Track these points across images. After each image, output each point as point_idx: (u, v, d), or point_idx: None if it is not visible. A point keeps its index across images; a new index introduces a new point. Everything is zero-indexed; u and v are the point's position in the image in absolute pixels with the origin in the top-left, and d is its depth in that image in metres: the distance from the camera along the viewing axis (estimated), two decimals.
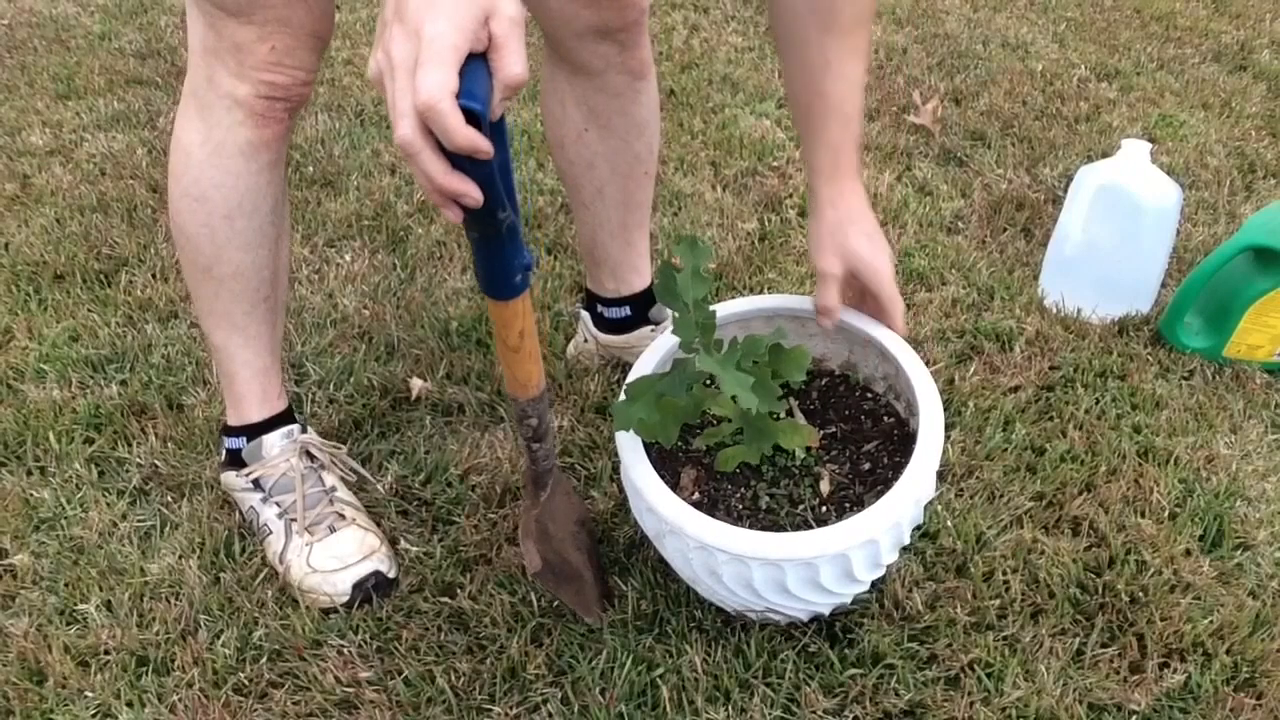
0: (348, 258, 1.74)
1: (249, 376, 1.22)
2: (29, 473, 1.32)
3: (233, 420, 1.25)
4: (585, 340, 1.51)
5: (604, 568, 1.19)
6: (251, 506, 1.23)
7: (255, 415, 1.24)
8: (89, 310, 1.59)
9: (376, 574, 1.16)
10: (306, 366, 1.49)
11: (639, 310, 1.44)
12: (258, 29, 1.03)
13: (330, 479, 1.24)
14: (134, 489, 1.29)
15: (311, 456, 1.25)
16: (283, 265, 1.22)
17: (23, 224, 1.80)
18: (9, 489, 1.29)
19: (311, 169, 2.00)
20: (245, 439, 1.24)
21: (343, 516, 1.20)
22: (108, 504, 1.27)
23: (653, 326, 1.45)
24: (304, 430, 1.26)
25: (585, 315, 1.49)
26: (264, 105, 1.08)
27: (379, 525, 1.24)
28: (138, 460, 1.33)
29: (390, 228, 1.82)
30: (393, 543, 1.23)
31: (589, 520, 1.21)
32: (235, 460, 1.25)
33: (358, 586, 1.15)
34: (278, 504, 1.21)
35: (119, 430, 1.37)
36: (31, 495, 1.28)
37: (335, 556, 1.16)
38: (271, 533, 1.20)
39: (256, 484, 1.22)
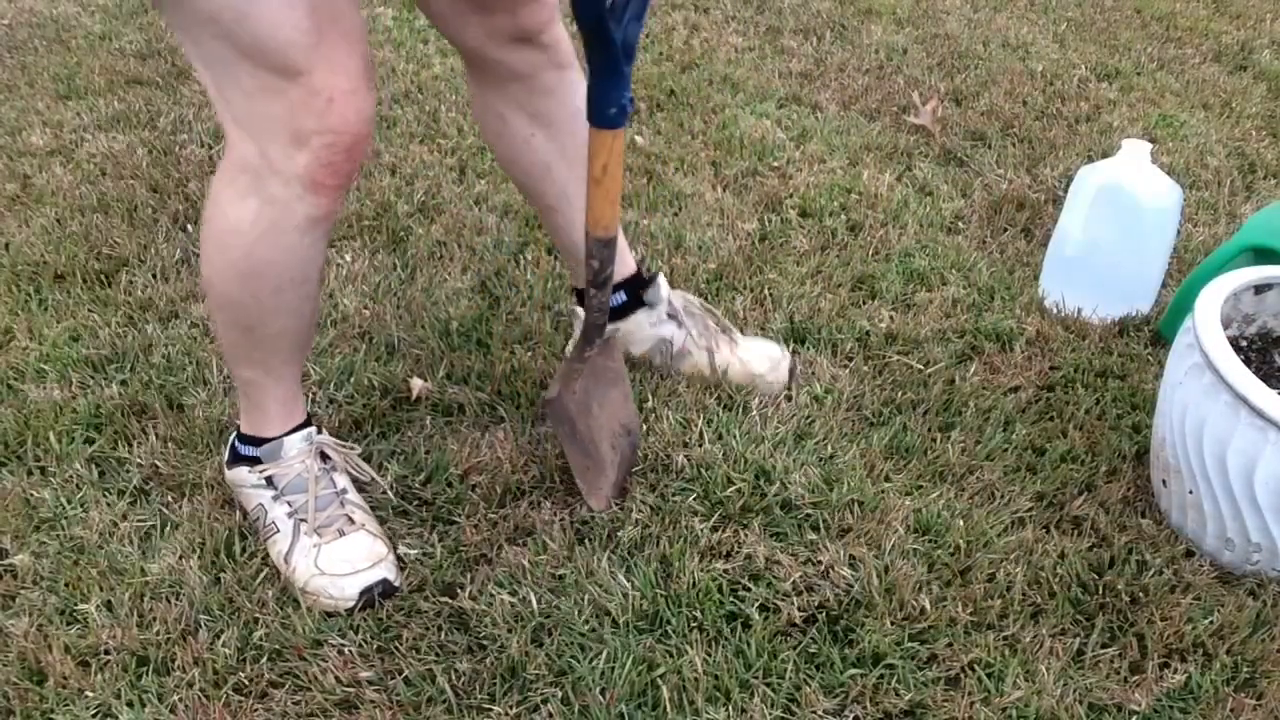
0: (348, 258, 1.74)
1: (277, 405, 1.21)
2: (29, 473, 1.32)
3: (249, 430, 1.23)
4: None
5: (629, 479, 1.24)
6: (260, 504, 1.22)
7: (277, 431, 1.22)
8: (89, 310, 1.59)
9: (384, 582, 1.16)
10: (307, 366, 1.48)
11: (633, 293, 1.43)
12: (309, 81, 0.94)
13: (342, 480, 1.24)
14: (134, 489, 1.29)
15: (325, 457, 1.24)
16: (317, 310, 1.19)
17: (23, 224, 1.80)
18: (9, 489, 1.29)
19: None
20: (262, 444, 1.23)
21: (352, 520, 1.20)
22: (108, 504, 1.27)
23: (649, 308, 1.44)
24: (319, 431, 1.26)
25: (580, 311, 1.45)
26: (325, 172, 0.99)
27: (381, 526, 1.24)
28: (138, 460, 1.33)
29: (390, 228, 1.82)
30: (393, 543, 1.23)
31: (637, 433, 1.25)
32: (246, 459, 1.24)
33: (365, 593, 1.15)
34: (289, 503, 1.20)
35: (119, 430, 1.37)
36: (32, 495, 1.28)
37: (345, 560, 1.16)
38: (279, 531, 1.19)
39: (269, 481, 1.21)
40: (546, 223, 1.40)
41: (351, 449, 1.29)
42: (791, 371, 1.48)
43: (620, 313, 1.44)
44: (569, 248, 1.40)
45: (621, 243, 1.41)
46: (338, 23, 0.95)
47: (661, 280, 1.45)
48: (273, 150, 0.98)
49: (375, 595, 1.15)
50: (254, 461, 1.23)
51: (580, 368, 1.23)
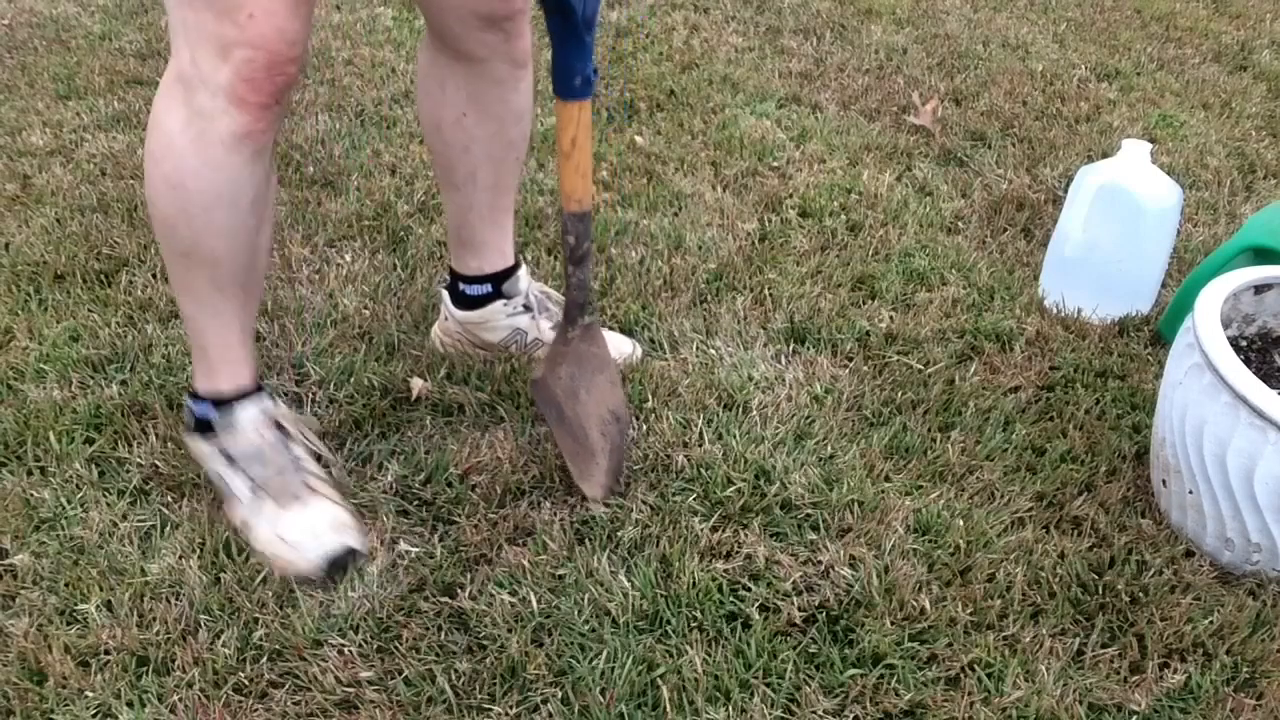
0: (348, 258, 1.74)
1: (219, 350, 1.23)
2: (29, 473, 1.32)
3: (202, 387, 1.25)
4: (445, 319, 1.51)
5: (623, 464, 1.25)
6: (219, 472, 1.24)
7: (225, 386, 1.24)
8: (89, 310, 1.59)
9: (350, 550, 1.18)
10: (307, 366, 1.48)
11: (497, 286, 1.46)
12: None
13: (298, 450, 1.26)
14: (134, 489, 1.29)
15: (281, 428, 1.26)
16: (263, 251, 1.21)
17: (23, 224, 1.80)
18: (9, 489, 1.29)
19: (312, 169, 2.00)
20: (215, 408, 1.24)
21: (311, 488, 1.22)
22: (108, 504, 1.27)
23: (505, 300, 1.47)
24: (275, 403, 1.28)
25: (445, 295, 1.50)
26: (246, 87, 1.03)
27: (376, 522, 1.25)
28: (138, 460, 1.33)
29: (390, 228, 1.82)
30: (393, 543, 1.23)
31: (626, 420, 1.27)
32: (203, 426, 1.25)
33: (331, 560, 1.17)
34: (246, 473, 1.22)
35: (119, 430, 1.37)
36: (32, 495, 1.28)
37: (306, 528, 1.18)
38: (239, 499, 1.22)
39: (225, 454, 1.24)
40: (446, 201, 1.43)
41: (308, 420, 1.32)
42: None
43: (480, 302, 1.47)
44: (457, 227, 1.44)
45: (505, 237, 1.44)
46: None
47: (523, 272, 1.49)
48: (201, 58, 1.03)
49: (342, 563, 1.17)
50: (207, 427, 1.24)
51: (564, 350, 1.24)
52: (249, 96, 1.05)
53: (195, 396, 1.26)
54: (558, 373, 1.25)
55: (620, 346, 1.51)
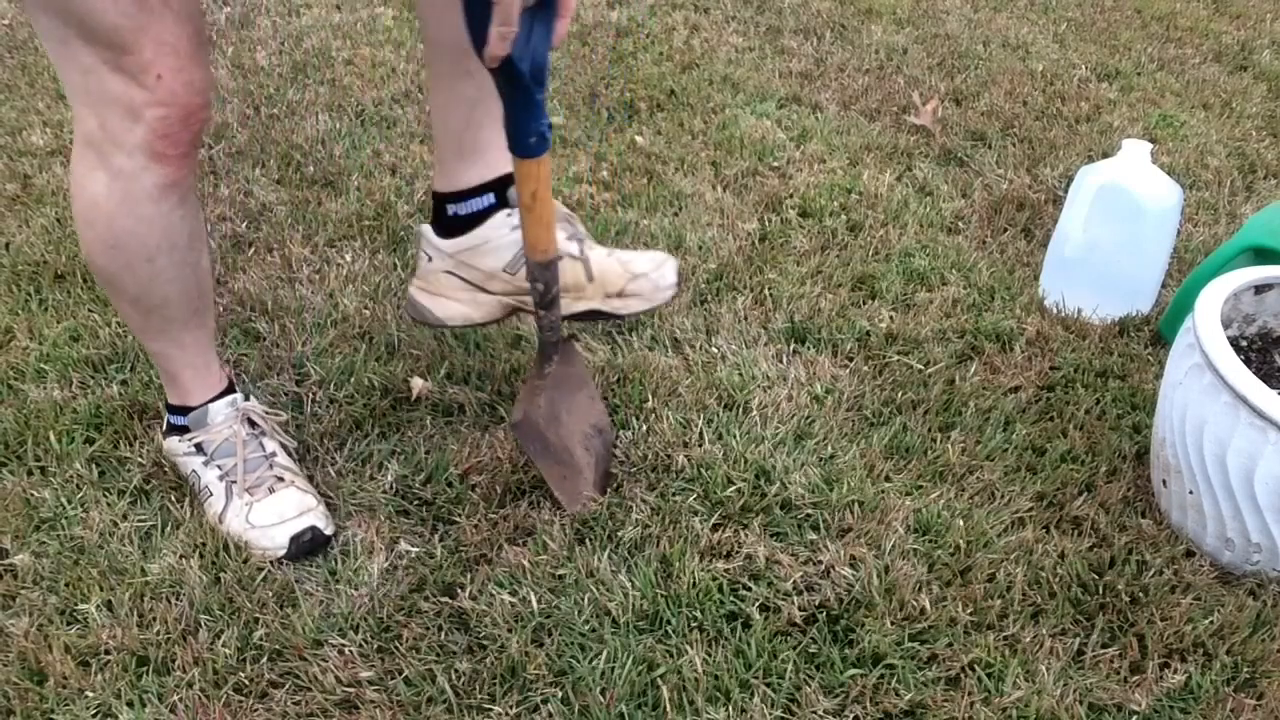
0: (348, 258, 1.74)
1: (190, 375, 1.26)
2: (30, 473, 1.32)
3: (175, 401, 1.28)
4: (428, 260, 1.33)
5: (608, 477, 1.25)
6: (194, 470, 1.27)
7: (198, 400, 1.27)
8: (89, 310, 1.59)
9: (313, 529, 1.20)
10: (307, 366, 1.49)
11: (500, 193, 1.28)
12: (138, 58, 0.98)
13: (271, 445, 1.28)
14: (135, 489, 1.29)
15: (253, 424, 1.28)
16: (207, 275, 1.21)
17: (23, 224, 1.80)
18: (10, 489, 1.29)
19: (311, 169, 2.00)
20: (189, 412, 1.28)
21: (281, 479, 1.24)
22: (108, 504, 1.27)
23: (508, 210, 1.28)
24: (246, 398, 1.30)
25: (426, 231, 1.32)
26: (164, 143, 1.03)
27: (375, 520, 1.25)
28: (139, 460, 1.33)
29: (391, 228, 1.82)
30: (393, 543, 1.23)
31: (609, 431, 1.27)
32: (179, 429, 1.29)
33: (294, 540, 1.19)
34: (219, 467, 1.25)
35: (120, 430, 1.37)
36: (32, 495, 1.28)
37: (274, 513, 1.21)
38: (212, 495, 1.24)
39: (199, 448, 1.26)
40: (446, 102, 1.25)
41: (277, 415, 1.33)
42: (680, 273, 1.32)
43: (477, 219, 1.28)
44: (459, 135, 1.25)
45: (499, 141, 1.19)
46: (168, 2, 0.98)
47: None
48: (110, 121, 1.02)
49: (305, 543, 1.20)
50: (184, 430, 1.27)
51: (541, 384, 1.24)
52: (168, 150, 1.05)
53: (171, 409, 1.29)
54: (537, 403, 1.24)
55: (651, 254, 1.31)
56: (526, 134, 1.05)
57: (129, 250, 1.10)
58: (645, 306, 1.27)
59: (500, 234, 1.27)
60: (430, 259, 1.33)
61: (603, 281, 1.27)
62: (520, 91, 1.02)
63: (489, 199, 1.28)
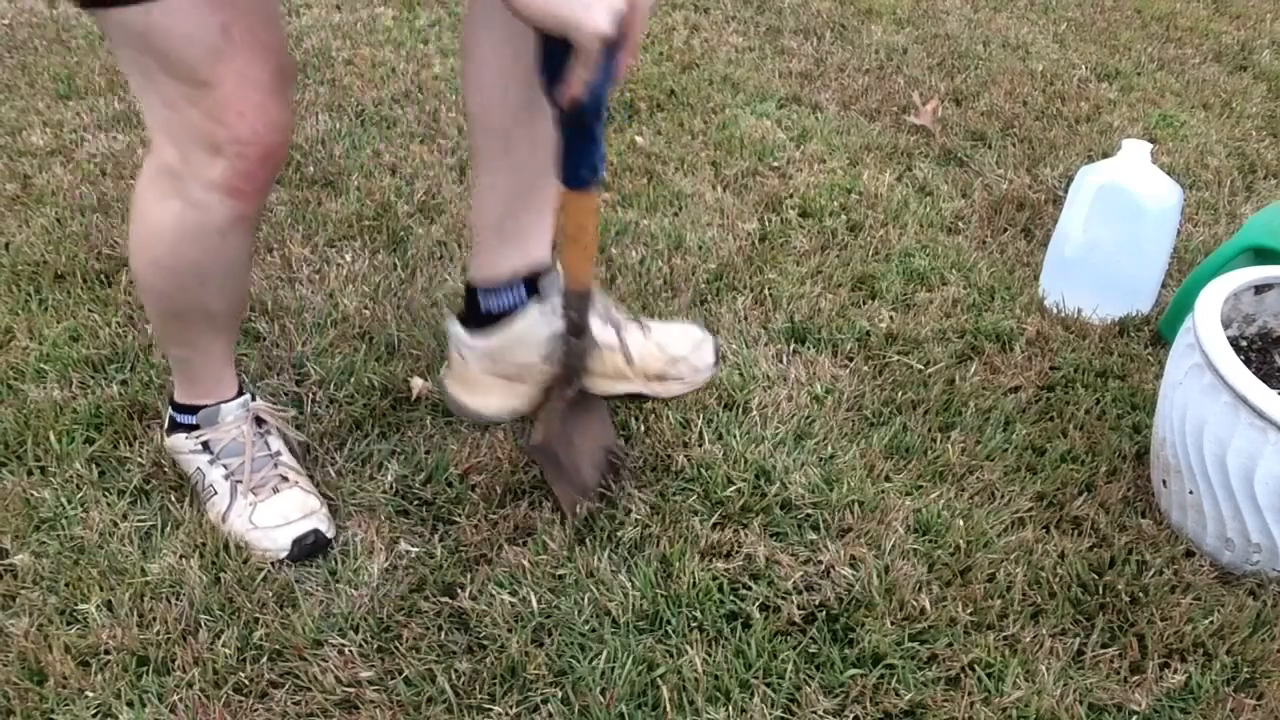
0: (348, 258, 1.74)
1: (210, 377, 1.26)
2: (29, 473, 1.32)
3: (184, 400, 1.28)
4: (461, 359, 1.28)
5: (616, 494, 1.27)
6: (198, 468, 1.26)
7: (213, 399, 1.27)
8: (89, 310, 1.59)
9: (315, 532, 1.20)
10: (307, 366, 1.49)
11: (533, 285, 1.24)
12: (220, 93, 0.97)
13: (275, 443, 1.29)
14: (135, 489, 1.29)
15: (260, 422, 1.29)
16: (248, 287, 1.21)
17: (23, 224, 1.80)
18: (9, 489, 1.29)
19: (312, 169, 2.00)
20: (198, 411, 1.27)
21: (285, 479, 1.25)
22: (108, 504, 1.27)
23: (540, 302, 1.23)
24: (254, 398, 1.31)
25: (458, 329, 1.27)
26: (242, 179, 1.03)
27: (375, 520, 1.25)
28: (139, 460, 1.33)
29: (391, 228, 1.82)
30: (393, 543, 1.23)
31: (619, 454, 1.28)
32: (184, 427, 1.28)
33: (297, 542, 1.19)
34: (225, 466, 1.25)
35: (120, 430, 1.37)
36: (32, 495, 1.28)
37: (278, 514, 1.21)
38: (216, 494, 1.24)
39: (205, 446, 1.26)
40: (488, 184, 1.21)
41: (285, 412, 1.33)
42: (718, 352, 1.29)
43: (510, 313, 1.24)
44: (500, 220, 1.22)
45: (540, 228, 1.24)
46: (251, 36, 0.97)
47: (559, 269, 1.22)
48: (190, 155, 1.01)
49: (308, 545, 1.20)
50: (191, 428, 1.27)
51: (560, 407, 1.24)
52: (245, 186, 1.04)
53: (178, 408, 1.29)
54: (555, 425, 1.25)
55: (688, 332, 1.28)
56: (580, 167, 1.04)
57: (184, 274, 1.10)
58: (684, 390, 1.27)
59: (535, 329, 1.23)
60: (463, 358, 1.29)
61: (643, 366, 1.26)
62: (582, 128, 1.02)
63: (522, 293, 1.24)
